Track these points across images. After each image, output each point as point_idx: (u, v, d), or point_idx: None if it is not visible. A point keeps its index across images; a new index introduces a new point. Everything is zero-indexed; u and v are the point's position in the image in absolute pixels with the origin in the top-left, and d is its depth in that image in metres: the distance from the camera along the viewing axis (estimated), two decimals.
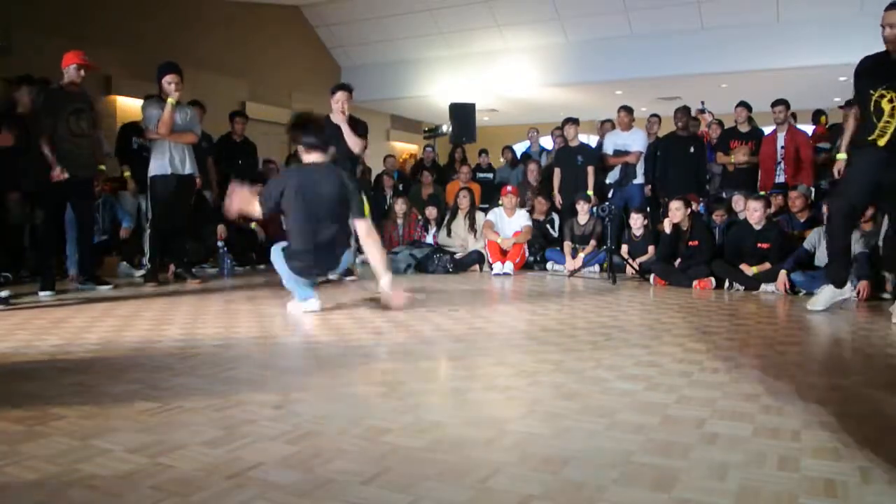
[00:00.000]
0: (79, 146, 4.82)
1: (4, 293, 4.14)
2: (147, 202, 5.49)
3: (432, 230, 7.37)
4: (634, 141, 7.25)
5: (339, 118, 5.36)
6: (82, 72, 4.78)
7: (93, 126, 4.97)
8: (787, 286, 5.05)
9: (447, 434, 1.78)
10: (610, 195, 7.20)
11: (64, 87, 4.79)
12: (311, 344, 3.05)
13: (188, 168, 5.37)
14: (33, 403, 2.05)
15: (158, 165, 5.26)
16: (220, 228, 6.47)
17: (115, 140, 6.40)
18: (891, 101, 3.66)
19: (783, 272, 5.07)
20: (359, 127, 5.51)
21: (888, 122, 3.68)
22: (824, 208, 5.16)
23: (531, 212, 7.34)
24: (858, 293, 4.68)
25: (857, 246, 4.94)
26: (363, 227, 3.89)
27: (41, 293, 4.53)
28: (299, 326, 3.46)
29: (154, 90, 5.31)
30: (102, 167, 5.34)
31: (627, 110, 7.39)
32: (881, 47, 3.79)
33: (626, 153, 7.22)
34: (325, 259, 3.89)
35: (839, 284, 4.07)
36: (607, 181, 7.37)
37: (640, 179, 7.27)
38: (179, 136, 5.26)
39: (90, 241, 5.16)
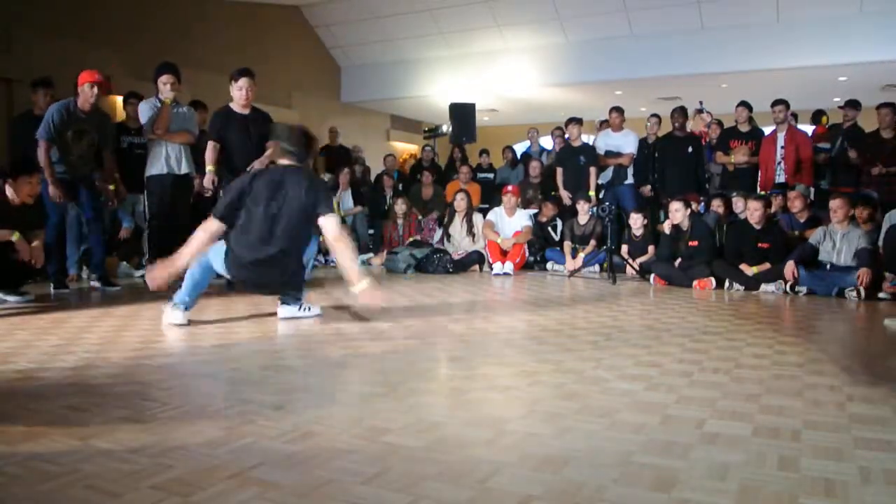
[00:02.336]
0: (76, 164, 4.86)
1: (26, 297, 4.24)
2: (144, 202, 5.49)
3: (440, 230, 7.36)
4: (626, 143, 7.29)
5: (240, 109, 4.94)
6: (95, 89, 4.77)
7: (95, 147, 4.98)
8: (795, 275, 5.03)
9: (447, 434, 1.78)
10: (601, 195, 7.22)
11: (75, 105, 4.81)
12: (311, 344, 3.05)
13: (184, 168, 5.34)
14: (33, 403, 2.05)
15: (155, 165, 5.25)
16: None
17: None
18: None
19: (790, 262, 5.05)
20: (260, 121, 5.02)
21: None
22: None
23: (538, 213, 7.34)
24: (860, 279, 4.68)
25: (861, 241, 4.95)
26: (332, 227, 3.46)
27: (54, 291, 4.62)
28: (299, 327, 3.46)
29: (154, 90, 5.31)
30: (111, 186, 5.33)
31: (619, 111, 7.44)
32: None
33: (618, 154, 7.24)
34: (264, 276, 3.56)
35: None
36: (599, 181, 7.40)
37: (630, 180, 7.30)
38: (175, 135, 5.24)
39: (100, 239, 5.12)
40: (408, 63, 11.63)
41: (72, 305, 4.16)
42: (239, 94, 4.90)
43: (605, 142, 7.46)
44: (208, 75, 8.98)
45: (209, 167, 5.03)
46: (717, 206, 6.32)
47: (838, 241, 5.08)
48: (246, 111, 4.99)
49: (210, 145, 5.02)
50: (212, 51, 9.41)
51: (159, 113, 5.12)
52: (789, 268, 5.04)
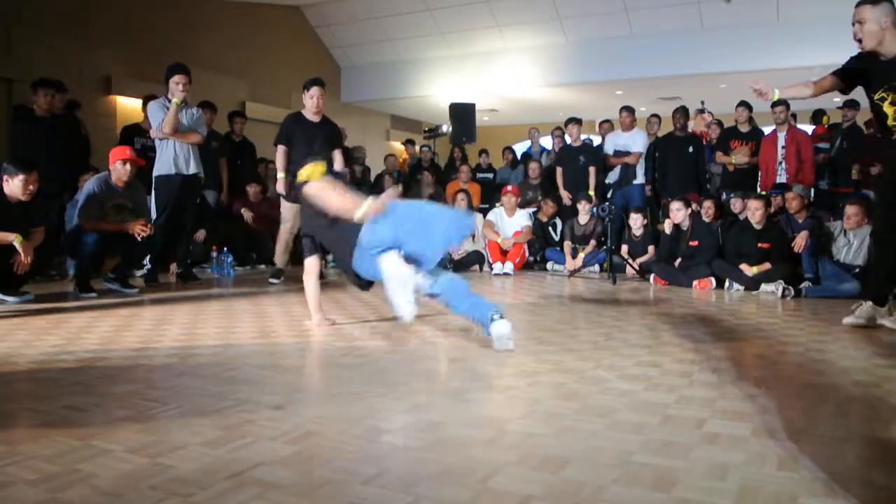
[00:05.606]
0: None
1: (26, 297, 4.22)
2: (151, 201, 5.48)
3: None
4: (635, 142, 7.27)
5: (313, 117, 5.12)
6: (128, 167, 4.76)
7: (134, 215, 4.91)
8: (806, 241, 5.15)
9: (447, 434, 1.78)
10: (610, 195, 7.21)
11: (110, 180, 4.79)
12: (311, 344, 3.05)
13: (193, 168, 5.36)
14: (33, 403, 2.05)
15: (163, 165, 5.28)
16: (200, 233, 6.49)
17: (117, 143, 6.39)
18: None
19: (804, 232, 5.18)
20: (336, 131, 5.27)
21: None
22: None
23: (537, 212, 7.34)
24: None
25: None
26: None
27: (82, 294, 4.56)
28: (299, 327, 3.46)
29: (154, 90, 5.32)
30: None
31: (629, 111, 7.40)
32: None
33: (627, 154, 7.22)
34: None
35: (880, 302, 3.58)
36: (607, 181, 7.38)
37: (640, 180, 7.28)
38: (184, 135, 5.26)
39: (134, 246, 4.97)
40: (408, 63, 11.63)
41: (72, 306, 4.16)
42: (311, 102, 5.09)
43: (613, 142, 7.43)
44: (208, 75, 8.98)
45: (280, 174, 5.15)
46: (707, 207, 6.31)
47: (852, 238, 5.08)
48: (317, 118, 5.13)
49: (280, 150, 5.10)
50: (212, 50, 9.41)
51: (169, 113, 5.14)
52: (803, 236, 5.16)
